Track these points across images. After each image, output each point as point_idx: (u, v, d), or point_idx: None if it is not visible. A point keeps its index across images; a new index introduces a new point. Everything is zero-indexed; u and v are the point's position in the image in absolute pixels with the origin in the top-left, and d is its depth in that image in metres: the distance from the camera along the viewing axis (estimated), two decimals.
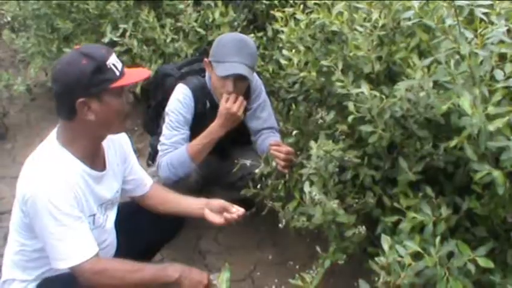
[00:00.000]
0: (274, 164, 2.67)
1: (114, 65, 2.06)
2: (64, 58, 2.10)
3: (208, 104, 2.93)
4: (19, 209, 2.11)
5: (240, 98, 2.77)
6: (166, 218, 2.52)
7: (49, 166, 2.07)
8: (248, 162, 2.71)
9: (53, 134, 2.16)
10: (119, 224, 2.41)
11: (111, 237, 2.36)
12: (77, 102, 2.01)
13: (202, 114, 2.91)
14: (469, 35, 1.96)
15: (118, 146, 2.39)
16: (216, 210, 2.41)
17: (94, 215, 2.21)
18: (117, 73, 2.06)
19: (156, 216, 2.52)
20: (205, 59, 2.86)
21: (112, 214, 2.38)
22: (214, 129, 2.80)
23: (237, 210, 2.38)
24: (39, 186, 2.02)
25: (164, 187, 2.63)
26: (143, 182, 2.55)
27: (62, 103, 2.06)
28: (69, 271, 2.09)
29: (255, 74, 2.91)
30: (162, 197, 2.55)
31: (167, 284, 2.18)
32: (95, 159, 2.21)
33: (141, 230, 2.47)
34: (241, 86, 2.82)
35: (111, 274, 2.11)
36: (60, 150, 2.11)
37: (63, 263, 2.07)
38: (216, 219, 2.39)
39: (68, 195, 2.05)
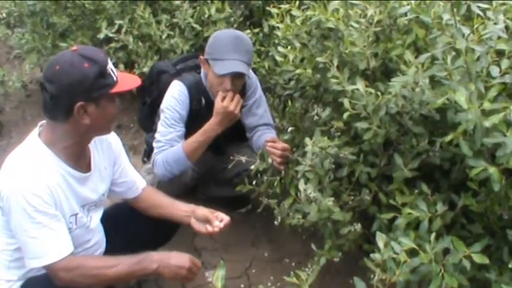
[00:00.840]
0: (270, 160, 2.65)
1: (112, 70, 2.06)
2: (62, 59, 2.05)
3: (203, 101, 2.92)
4: None
5: (237, 96, 2.76)
6: (161, 221, 2.49)
7: (28, 163, 2.05)
8: (244, 159, 2.70)
9: (35, 131, 2.14)
10: (110, 225, 2.40)
11: (97, 236, 2.35)
12: (76, 105, 2.00)
13: (197, 111, 2.90)
14: (466, 30, 1.96)
15: (106, 147, 2.36)
16: (201, 219, 2.39)
17: (76, 214, 2.19)
18: (115, 78, 2.07)
19: (149, 219, 2.51)
20: (201, 57, 2.84)
21: (96, 215, 2.35)
22: (210, 127, 2.79)
23: (219, 224, 2.34)
24: (15, 182, 2.01)
25: (156, 190, 2.61)
26: (135, 184, 2.53)
27: (56, 104, 2.02)
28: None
29: (250, 70, 2.89)
30: (153, 201, 2.53)
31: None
32: (79, 161, 2.19)
33: (136, 232, 2.46)
34: (239, 83, 2.82)
35: (84, 272, 2.09)
36: (43, 148, 2.09)
37: (36, 261, 2.05)
38: (201, 229, 2.36)
39: (44, 194, 2.02)
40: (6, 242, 2.16)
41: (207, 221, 2.35)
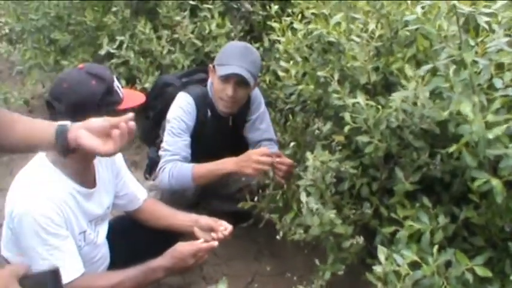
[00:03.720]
0: (271, 174, 2.66)
1: (118, 87, 2.10)
2: (69, 77, 2.08)
3: (209, 113, 2.94)
4: (6, 225, 2.11)
5: (272, 159, 2.68)
6: (161, 232, 2.50)
7: (37, 184, 2.06)
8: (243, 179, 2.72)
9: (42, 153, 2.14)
10: (114, 238, 2.40)
11: (103, 251, 2.36)
12: None
13: (203, 123, 2.92)
14: (472, 42, 1.97)
15: (110, 160, 2.37)
16: (205, 228, 2.39)
17: (84, 231, 2.20)
18: (121, 95, 2.10)
19: (151, 230, 2.51)
20: (210, 65, 2.90)
21: (103, 229, 2.37)
22: (228, 163, 2.78)
23: (224, 229, 2.35)
24: (27, 205, 2.01)
25: (157, 201, 2.62)
26: (136, 196, 2.54)
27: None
28: None
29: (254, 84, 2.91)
30: (154, 212, 2.54)
31: None
32: (85, 177, 2.20)
33: (138, 243, 2.46)
34: (241, 92, 2.84)
35: None
36: (50, 168, 2.10)
37: None
38: (206, 237, 2.37)
39: (55, 215, 2.03)
40: (10, 262, 2.17)
41: (211, 229, 2.36)
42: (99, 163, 2.30)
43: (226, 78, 2.76)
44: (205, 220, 2.40)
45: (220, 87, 2.80)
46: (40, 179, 2.07)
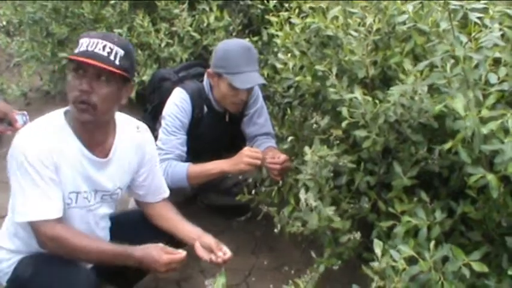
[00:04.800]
0: (265, 171, 2.67)
1: (82, 43, 2.08)
2: None
3: (205, 109, 2.93)
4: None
5: (260, 158, 2.71)
6: (166, 236, 2.49)
7: (41, 127, 2.13)
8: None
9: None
10: (120, 231, 2.40)
11: (100, 234, 2.36)
12: None
13: (199, 119, 2.91)
14: (464, 38, 1.97)
15: (140, 146, 2.39)
16: (206, 247, 2.38)
17: (78, 193, 2.20)
18: (76, 50, 2.09)
19: (158, 229, 2.51)
20: (209, 70, 2.86)
21: (106, 208, 2.37)
22: (224, 164, 2.79)
23: (223, 255, 2.34)
24: (22, 139, 2.08)
25: (171, 205, 2.58)
26: (156, 192, 2.54)
27: None
28: (45, 254, 2.17)
29: None
30: (164, 214, 2.52)
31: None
32: (93, 142, 2.22)
33: (142, 241, 2.45)
34: (252, 93, 2.89)
35: (67, 244, 2.11)
36: (61, 120, 2.16)
37: (20, 216, 2.09)
38: (204, 256, 2.35)
39: (47, 156, 2.07)
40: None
41: (210, 250, 2.35)
42: (121, 142, 2.31)
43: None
44: (208, 240, 2.38)
45: (231, 93, 2.79)
46: (47, 125, 2.14)
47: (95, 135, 2.21)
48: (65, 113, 2.18)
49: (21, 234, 2.22)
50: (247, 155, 2.68)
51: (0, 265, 2.26)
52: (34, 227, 2.10)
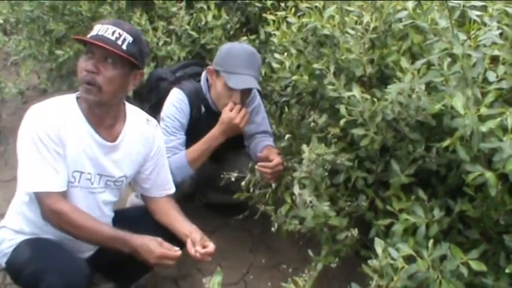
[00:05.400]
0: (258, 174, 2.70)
1: (95, 29, 2.16)
2: None
3: (203, 109, 2.93)
4: None
5: (244, 110, 2.79)
6: (168, 231, 2.49)
7: (52, 105, 2.18)
8: (234, 175, 2.75)
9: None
10: (127, 226, 2.40)
11: (101, 218, 2.36)
12: None
13: (197, 119, 2.91)
14: (462, 36, 1.97)
15: (148, 137, 2.42)
16: (195, 242, 2.39)
17: (82, 173, 2.24)
18: (89, 34, 2.15)
19: (160, 225, 2.51)
20: (210, 67, 2.86)
21: (109, 195, 2.39)
22: (214, 136, 2.81)
23: (200, 249, 2.32)
24: (32, 115, 2.14)
25: (174, 203, 2.58)
26: (161, 186, 2.55)
27: None
28: (47, 239, 2.23)
29: None
30: (165, 209, 2.52)
31: None
32: (102, 126, 2.26)
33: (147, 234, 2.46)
34: (246, 97, 2.86)
35: (68, 219, 2.14)
36: (73, 102, 2.22)
37: (25, 186, 2.15)
38: (192, 252, 2.36)
39: (54, 131, 2.12)
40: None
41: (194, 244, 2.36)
42: (131, 131, 2.35)
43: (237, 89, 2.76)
44: (195, 235, 2.38)
45: (226, 94, 2.79)
46: (58, 105, 2.19)
47: (103, 118, 2.26)
48: (77, 97, 2.23)
49: (27, 212, 2.27)
50: (230, 117, 2.77)
51: (2, 245, 2.29)
52: (39, 199, 2.14)
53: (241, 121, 2.78)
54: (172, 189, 2.60)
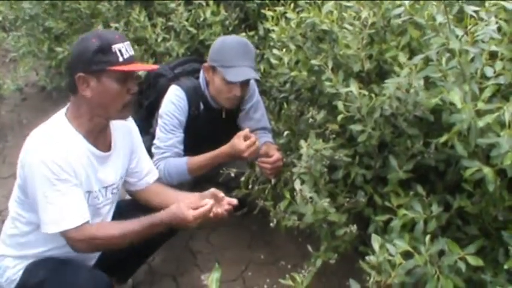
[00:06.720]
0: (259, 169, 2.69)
1: (120, 50, 2.10)
2: (84, 35, 2.20)
3: (201, 106, 2.92)
4: (18, 176, 2.16)
5: (255, 145, 2.70)
6: None
7: (50, 135, 2.12)
8: (233, 171, 2.76)
9: (64, 109, 2.22)
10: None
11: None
12: (76, 76, 2.09)
13: (195, 116, 2.90)
14: (459, 32, 1.96)
15: (127, 132, 2.43)
16: (209, 197, 2.37)
17: (90, 192, 2.23)
18: (121, 59, 2.10)
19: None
20: (205, 64, 2.84)
21: (113, 204, 2.40)
22: (220, 156, 2.78)
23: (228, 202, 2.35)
24: (38, 150, 2.08)
25: (163, 184, 2.62)
26: (147, 175, 2.56)
27: (67, 75, 2.23)
28: (55, 257, 2.20)
29: None
30: (159, 190, 2.55)
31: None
32: (98, 139, 2.25)
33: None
34: (246, 89, 2.85)
35: (99, 241, 2.15)
36: (66, 124, 2.17)
37: (53, 227, 2.10)
38: (219, 211, 2.34)
39: (65, 164, 2.08)
40: (19, 213, 2.24)
41: (214, 197, 2.34)
42: (116, 132, 2.35)
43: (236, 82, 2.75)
44: (208, 192, 2.37)
45: (225, 89, 2.77)
46: (55, 131, 2.15)
47: (101, 132, 2.27)
48: (66, 112, 2.20)
49: (31, 238, 2.23)
50: (240, 149, 2.68)
51: (6, 273, 2.26)
52: (66, 236, 2.12)
53: (249, 154, 2.69)
54: (156, 174, 2.63)
